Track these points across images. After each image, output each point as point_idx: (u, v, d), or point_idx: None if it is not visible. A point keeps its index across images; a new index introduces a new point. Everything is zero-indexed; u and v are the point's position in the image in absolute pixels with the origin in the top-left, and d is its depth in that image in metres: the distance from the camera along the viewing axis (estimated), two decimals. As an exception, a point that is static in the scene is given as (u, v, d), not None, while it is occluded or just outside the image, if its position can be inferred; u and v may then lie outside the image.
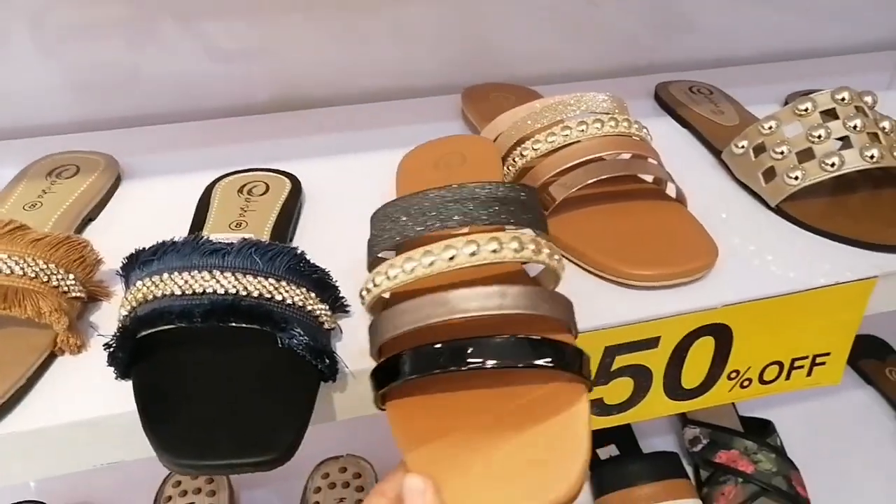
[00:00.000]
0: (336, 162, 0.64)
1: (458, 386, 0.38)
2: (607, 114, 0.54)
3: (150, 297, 0.39)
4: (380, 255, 0.42)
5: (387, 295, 0.43)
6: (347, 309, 0.46)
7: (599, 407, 0.50)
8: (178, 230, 0.47)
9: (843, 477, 0.80)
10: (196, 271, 0.39)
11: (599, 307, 0.47)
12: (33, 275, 0.42)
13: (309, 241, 0.52)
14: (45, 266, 0.42)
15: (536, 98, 0.64)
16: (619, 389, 0.49)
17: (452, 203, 0.41)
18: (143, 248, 0.42)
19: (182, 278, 0.39)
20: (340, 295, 0.45)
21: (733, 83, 0.75)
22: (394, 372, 0.37)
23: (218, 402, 0.37)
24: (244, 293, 0.39)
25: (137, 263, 0.41)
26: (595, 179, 0.51)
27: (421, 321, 0.36)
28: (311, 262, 0.43)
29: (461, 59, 0.76)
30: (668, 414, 0.53)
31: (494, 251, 0.37)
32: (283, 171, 0.59)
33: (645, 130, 0.55)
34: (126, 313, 0.40)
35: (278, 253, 0.41)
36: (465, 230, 0.41)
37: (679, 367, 0.50)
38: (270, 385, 0.38)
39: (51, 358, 0.43)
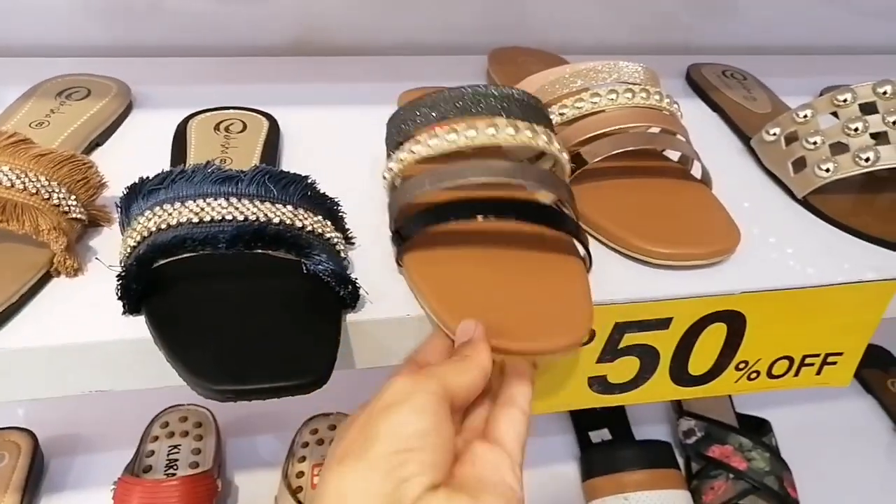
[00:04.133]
0: (344, 111, 0.62)
1: (471, 243, 0.43)
2: (639, 84, 0.52)
3: (164, 225, 0.38)
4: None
5: (398, 181, 0.44)
6: (353, 241, 0.45)
7: (602, 384, 0.49)
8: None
9: (834, 483, 0.80)
10: (211, 199, 0.38)
11: (613, 282, 0.45)
12: (34, 190, 0.40)
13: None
14: (46, 183, 0.41)
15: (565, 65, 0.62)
16: (624, 368, 0.48)
17: (476, 98, 0.43)
18: (147, 178, 0.40)
19: (197, 206, 0.37)
20: (347, 227, 0.44)
21: (768, 72, 0.72)
22: (415, 225, 0.41)
23: (246, 329, 0.36)
24: (264, 220, 0.38)
25: (141, 193, 0.40)
26: (619, 150, 0.49)
27: (448, 179, 0.40)
28: (322, 191, 0.42)
29: (491, 21, 0.74)
30: (670, 399, 0.52)
31: (511, 135, 0.41)
32: (259, 110, 0.57)
33: (676, 106, 0.53)
34: (135, 244, 0.38)
35: (291, 181, 0.40)
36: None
37: (688, 352, 0.48)
38: (295, 312, 0.37)
39: (46, 278, 0.41)
